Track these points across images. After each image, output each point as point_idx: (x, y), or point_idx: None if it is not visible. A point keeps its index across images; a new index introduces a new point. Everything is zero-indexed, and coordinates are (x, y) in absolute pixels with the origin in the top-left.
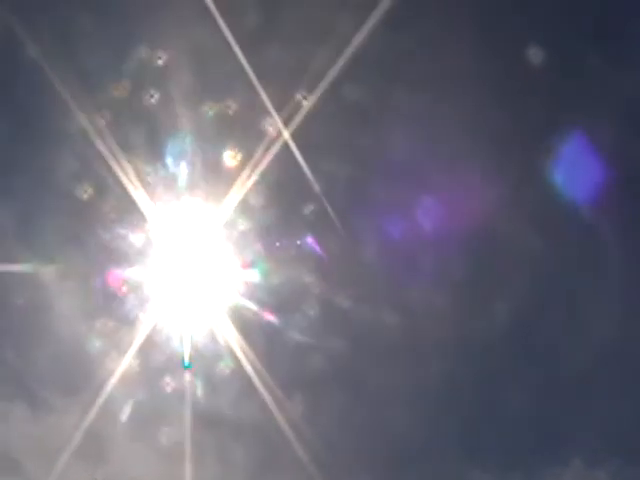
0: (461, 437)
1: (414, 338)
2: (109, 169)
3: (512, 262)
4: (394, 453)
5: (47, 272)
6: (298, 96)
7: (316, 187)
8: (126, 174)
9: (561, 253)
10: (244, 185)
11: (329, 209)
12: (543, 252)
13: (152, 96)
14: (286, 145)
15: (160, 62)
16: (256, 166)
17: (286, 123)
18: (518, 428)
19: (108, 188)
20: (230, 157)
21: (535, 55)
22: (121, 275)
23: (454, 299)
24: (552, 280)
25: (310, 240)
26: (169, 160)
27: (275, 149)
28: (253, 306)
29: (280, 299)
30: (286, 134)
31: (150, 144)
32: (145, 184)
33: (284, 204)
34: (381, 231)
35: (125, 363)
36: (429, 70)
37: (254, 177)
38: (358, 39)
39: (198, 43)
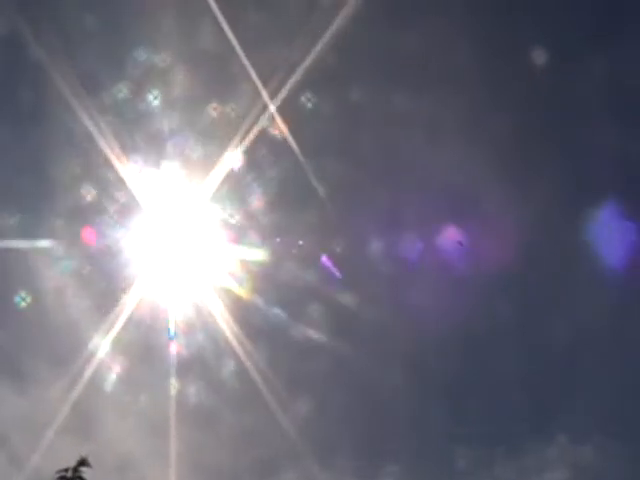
0: (449, 414)
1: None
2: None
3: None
4: (382, 431)
5: (34, 245)
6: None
7: (303, 160)
8: (114, 152)
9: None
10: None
11: (316, 186)
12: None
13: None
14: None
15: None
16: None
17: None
18: (505, 405)
19: (98, 167)
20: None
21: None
22: (109, 248)
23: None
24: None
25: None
26: (159, 138)
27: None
28: (238, 281)
29: (266, 275)
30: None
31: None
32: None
33: (272, 182)
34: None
35: (112, 335)
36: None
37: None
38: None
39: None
